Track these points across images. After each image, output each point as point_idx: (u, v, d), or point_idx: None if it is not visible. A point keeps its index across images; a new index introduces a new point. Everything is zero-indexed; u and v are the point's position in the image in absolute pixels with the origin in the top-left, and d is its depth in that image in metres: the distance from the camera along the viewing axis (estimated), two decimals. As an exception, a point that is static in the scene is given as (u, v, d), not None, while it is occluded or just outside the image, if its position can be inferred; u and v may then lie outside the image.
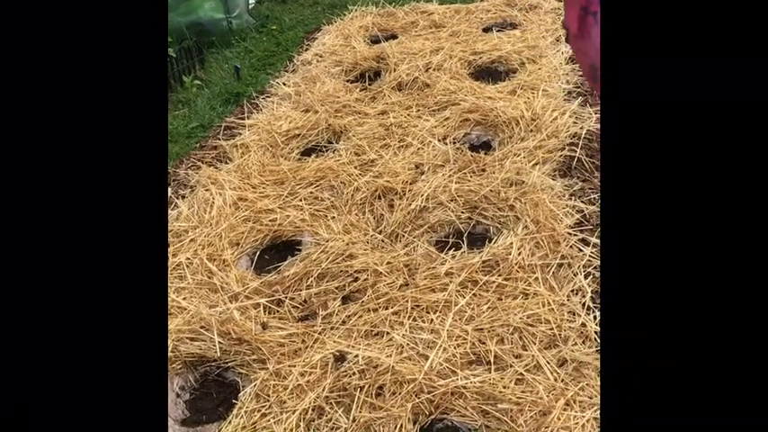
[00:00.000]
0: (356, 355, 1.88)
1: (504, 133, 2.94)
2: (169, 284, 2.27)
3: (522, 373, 1.79)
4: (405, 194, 2.58)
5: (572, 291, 2.05)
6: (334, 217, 2.55)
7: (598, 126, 2.67)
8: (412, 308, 2.05)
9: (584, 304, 1.98)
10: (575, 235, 2.25)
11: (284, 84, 3.83)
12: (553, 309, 1.97)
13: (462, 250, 2.27)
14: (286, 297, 2.18)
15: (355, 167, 2.82)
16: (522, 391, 1.74)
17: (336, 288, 2.18)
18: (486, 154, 2.81)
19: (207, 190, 2.80)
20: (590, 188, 2.49)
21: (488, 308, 2.01)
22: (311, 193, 2.72)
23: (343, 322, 2.05)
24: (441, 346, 1.88)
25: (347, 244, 2.35)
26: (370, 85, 3.65)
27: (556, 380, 1.77)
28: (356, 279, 2.20)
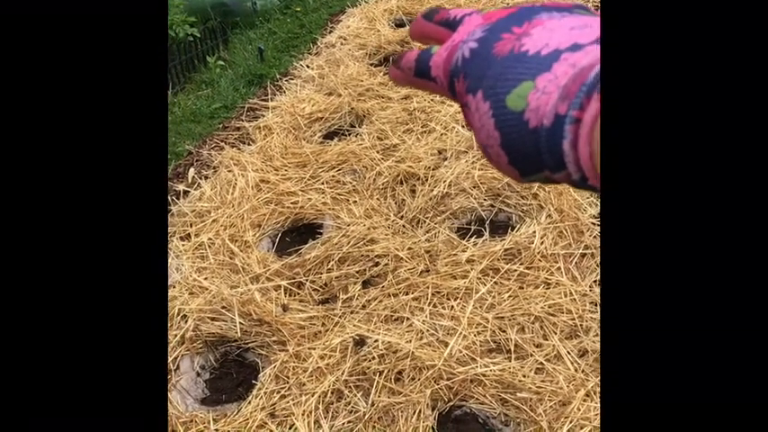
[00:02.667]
0: (376, 340, 1.88)
1: (529, 120, 2.90)
2: (191, 264, 2.28)
3: (542, 363, 1.79)
4: (427, 180, 2.57)
5: (595, 281, 2.03)
6: (355, 201, 2.55)
7: None
8: (432, 294, 2.05)
9: (606, 295, 1.96)
10: (599, 225, 2.23)
11: (308, 66, 3.81)
12: (575, 299, 1.96)
13: (484, 238, 2.26)
14: (307, 280, 2.18)
15: (378, 152, 2.81)
16: (542, 381, 1.73)
17: (357, 272, 2.18)
18: (510, 141, 2.78)
19: (230, 171, 2.81)
20: (615, 178, 2.46)
21: (509, 296, 2.00)
22: (333, 176, 2.71)
23: (364, 306, 2.05)
24: (461, 333, 1.87)
25: (368, 228, 2.34)
26: (393, 69, 3.62)
27: (576, 370, 1.76)
28: (377, 264, 2.19)
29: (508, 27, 0.38)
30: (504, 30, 0.38)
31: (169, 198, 2.70)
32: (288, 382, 1.83)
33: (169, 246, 2.37)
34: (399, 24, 4.21)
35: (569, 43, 0.34)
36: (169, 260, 2.31)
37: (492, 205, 2.43)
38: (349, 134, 3.07)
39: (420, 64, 0.44)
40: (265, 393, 1.81)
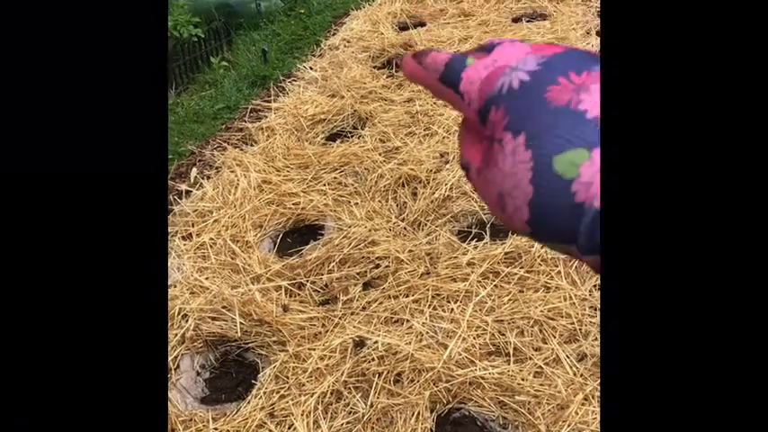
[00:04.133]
0: (375, 342, 1.89)
1: (531, 125, 2.91)
2: (192, 264, 2.29)
3: (541, 366, 1.79)
4: (428, 183, 2.57)
5: (594, 286, 2.04)
6: (357, 203, 2.55)
7: None
8: (432, 296, 2.05)
9: (606, 300, 1.97)
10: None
11: (311, 68, 3.82)
12: (575, 303, 1.97)
13: (485, 241, 2.27)
14: (307, 281, 2.19)
15: (380, 154, 2.82)
16: (541, 384, 1.74)
17: (358, 274, 2.18)
18: (511, 145, 2.79)
19: (232, 171, 2.82)
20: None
21: (509, 299, 2.01)
22: (335, 178, 2.72)
23: (364, 308, 2.06)
24: (460, 335, 1.88)
25: (369, 230, 2.35)
26: (396, 71, 3.63)
27: (575, 374, 1.76)
28: (377, 266, 2.20)
29: (565, 70, 0.34)
30: (561, 72, 0.34)
31: (171, 198, 2.70)
32: (287, 383, 1.84)
33: (171, 245, 2.38)
34: (403, 27, 4.22)
35: None
36: (171, 260, 2.32)
37: (493, 209, 2.43)
38: (351, 136, 3.08)
39: (450, 71, 0.37)
40: (265, 393, 1.82)
